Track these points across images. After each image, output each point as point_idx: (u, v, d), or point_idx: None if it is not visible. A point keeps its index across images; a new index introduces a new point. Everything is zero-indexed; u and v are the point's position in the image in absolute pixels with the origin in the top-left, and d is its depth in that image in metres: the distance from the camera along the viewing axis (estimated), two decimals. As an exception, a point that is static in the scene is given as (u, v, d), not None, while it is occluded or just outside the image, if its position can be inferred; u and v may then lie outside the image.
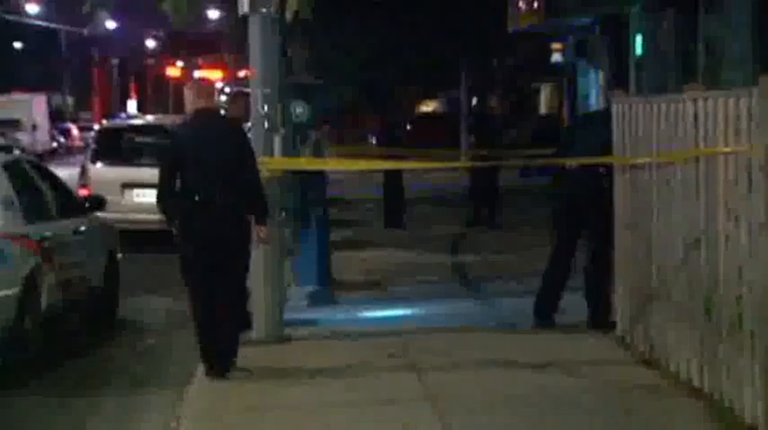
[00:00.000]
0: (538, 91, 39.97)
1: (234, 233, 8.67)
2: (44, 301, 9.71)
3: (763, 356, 6.57)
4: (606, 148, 9.43)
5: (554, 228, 10.31)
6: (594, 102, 28.71)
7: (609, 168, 9.54)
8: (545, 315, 9.86)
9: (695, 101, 7.68)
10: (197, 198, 8.55)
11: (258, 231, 8.91)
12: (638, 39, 21.67)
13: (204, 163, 8.61)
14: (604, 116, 9.85)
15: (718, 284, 7.26)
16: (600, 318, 9.69)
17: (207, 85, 9.99)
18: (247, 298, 10.31)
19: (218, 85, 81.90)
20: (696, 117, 7.60)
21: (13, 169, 10.12)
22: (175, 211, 8.70)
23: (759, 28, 16.70)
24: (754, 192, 6.70)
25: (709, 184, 7.42)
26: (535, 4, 26.55)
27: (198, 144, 8.72)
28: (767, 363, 6.55)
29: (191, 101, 8.94)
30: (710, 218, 7.40)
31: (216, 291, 8.65)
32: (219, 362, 8.58)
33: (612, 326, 9.51)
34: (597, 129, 9.88)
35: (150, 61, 73.21)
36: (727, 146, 7.09)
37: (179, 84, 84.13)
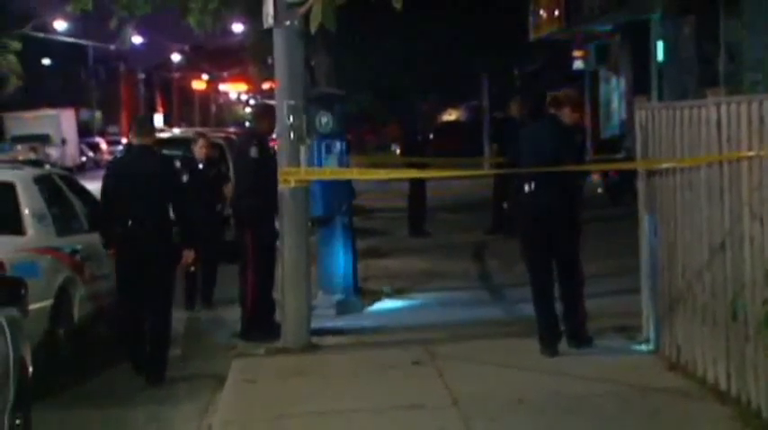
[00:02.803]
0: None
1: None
2: (76, 312, 9.77)
3: (790, 359, 6.56)
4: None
5: (523, 254, 9.64)
6: (617, 107, 28.67)
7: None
8: (552, 349, 9.21)
9: (718, 106, 7.68)
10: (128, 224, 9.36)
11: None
12: (660, 45, 21.60)
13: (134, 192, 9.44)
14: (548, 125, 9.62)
15: (744, 287, 7.23)
16: (581, 335, 9.26)
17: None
18: (274, 308, 10.34)
19: (243, 97, 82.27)
20: (719, 122, 7.59)
21: (44, 183, 10.18)
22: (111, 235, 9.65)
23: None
24: (778, 195, 6.71)
25: (733, 188, 7.40)
26: (556, 12, 26.49)
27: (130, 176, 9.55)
28: (794, 366, 6.53)
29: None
30: (735, 220, 7.38)
31: (144, 305, 9.42)
32: (153, 371, 9.25)
33: (590, 340, 9.27)
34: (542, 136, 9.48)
35: (176, 75, 73.49)
36: (750, 149, 7.09)
37: (205, 96, 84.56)
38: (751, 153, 7.07)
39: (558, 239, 9.21)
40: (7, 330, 6.48)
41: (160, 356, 9.40)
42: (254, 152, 10.99)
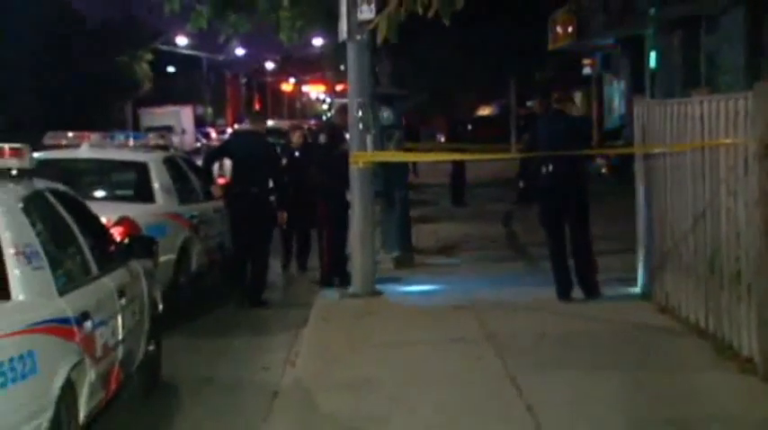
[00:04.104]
0: (572, 99, 39.63)
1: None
2: (194, 264, 9.87)
3: (757, 304, 6.49)
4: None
5: (542, 222, 9.31)
6: (617, 105, 28.44)
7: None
8: (566, 296, 9.09)
9: (701, 102, 7.60)
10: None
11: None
12: (653, 55, 21.42)
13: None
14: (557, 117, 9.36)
15: (720, 247, 7.16)
16: (593, 288, 9.09)
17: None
18: (347, 261, 10.36)
19: (321, 96, 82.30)
20: (702, 116, 7.51)
21: (169, 163, 10.26)
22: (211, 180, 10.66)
23: (749, 44, 16.56)
24: (749, 175, 6.61)
25: (713, 168, 7.32)
26: (569, 29, 26.41)
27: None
28: (760, 310, 6.47)
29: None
30: (714, 195, 7.30)
31: (250, 248, 9.89)
32: (253, 296, 9.77)
33: (599, 293, 9.07)
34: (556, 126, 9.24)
35: (269, 79, 73.68)
36: (727, 138, 7.00)
37: (292, 96, 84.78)
38: (728, 140, 6.99)
39: (570, 209, 9.13)
40: (143, 277, 6.57)
41: (258, 285, 9.90)
42: (322, 138, 11.16)
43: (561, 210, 9.12)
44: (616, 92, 28.89)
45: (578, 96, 32.61)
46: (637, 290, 9.29)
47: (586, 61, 30.30)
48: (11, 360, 4.20)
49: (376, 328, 8.36)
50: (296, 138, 12.26)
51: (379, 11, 9.43)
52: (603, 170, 22.78)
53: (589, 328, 8.06)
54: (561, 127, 9.16)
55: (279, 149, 11.70)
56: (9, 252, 4.71)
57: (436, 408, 6.03)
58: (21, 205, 5.05)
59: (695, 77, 18.82)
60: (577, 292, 9.10)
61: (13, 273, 4.66)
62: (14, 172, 5.36)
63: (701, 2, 18.05)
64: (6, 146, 5.37)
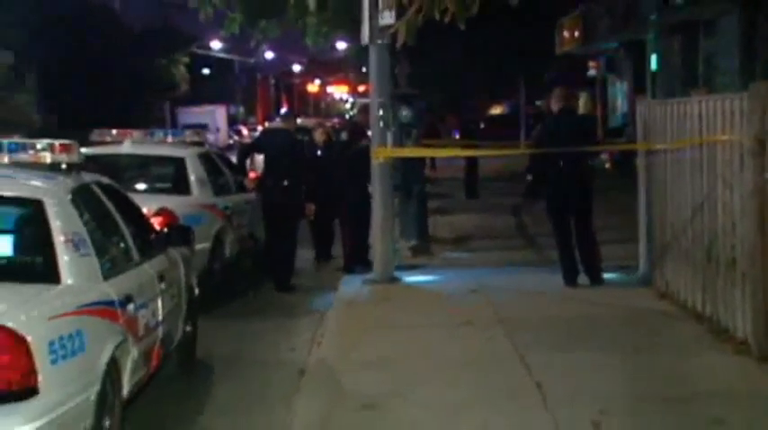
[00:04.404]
0: (577, 98, 39.56)
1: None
2: (227, 251, 9.89)
3: (751, 290, 6.46)
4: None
5: (549, 214, 9.20)
6: (621, 104, 28.30)
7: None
8: (572, 282, 9.05)
9: (699, 102, 7.55)
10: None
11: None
12: (654, 57, 21.29)
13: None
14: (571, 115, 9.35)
15: (717, 237, 7.12)
16: (597, 275, 9.06)
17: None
18: (368, 249, 10.36)
19: (344, 96, 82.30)
20: (700, 114, 7.46)
21: (204, 158, 10.29)
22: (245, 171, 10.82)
23: (744, 48, 16.46)
24: (744, 170, 6.57)
25: (710, 164, 7.27)
26: (575, 33, 26.29)
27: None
28: (754, 295, 6.44)
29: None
30: (711, 188, 7.26)
31: (279, 236, 9.90)
32: (283, 282, 9.83)
33: (602, 280, 9.03)
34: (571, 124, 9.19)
35: (296, 80, 73.73)
36: (724, 135, 6.95)
37: (317, 96, 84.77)
38: (724, 137, 6.94)
39: (576, 202, 9.08)
40: (181, 263, 6.59)
41: (287, 272, 9.92)
42: (345, 136, 11.16)
43: (567, 203, 9.08)
44: (619, 92, 28.74)
45: (584, 96, 32.53)
46: (638, 276, 9.25)
47: (591, 63, 30.16)
48: (61, 338, 4.24)
49: (395, 312, 8.36)
50: (318, 135, 12.27)
51: (398, 16, 9.44)
52: (607, 165, 22.68)
53: (594, 312, 8.04)
54: (568, 124, 9.12)
55: (305, 146, 11.69)
56: (59, 240, 4.74)
57: (450, 386, 6.04)
58: (69, 197, 5.08)
59: (693, 79, 18.70)
60: (582, 279, 9.07)
61: (63, 259, 4.70)
62: (64, 166, 5.40)
63: (699, 8, 17.94)
64: (57, 142, 5.42)
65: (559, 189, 9.05)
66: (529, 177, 9.42)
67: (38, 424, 3.98)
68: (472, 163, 19.11)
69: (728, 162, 6.88)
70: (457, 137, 23.63)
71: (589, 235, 9.15)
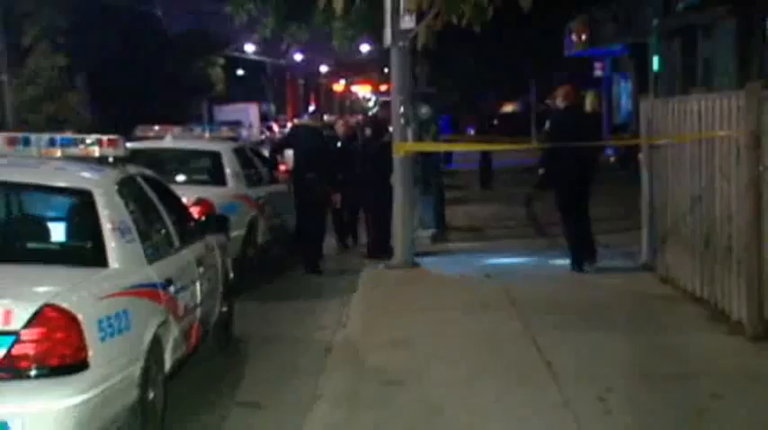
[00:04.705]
0: (583, 96, 39.28)
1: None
2: (260, 238, 9.90)
3: (746, 275, 6.43)
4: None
5: (559, 204, 9.09)
6: (625, 102, 28.13)
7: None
8: (579, 267, 9.02)
9: (699, 100, 7.49)
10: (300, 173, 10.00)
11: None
12: (655, 59, 21.18)
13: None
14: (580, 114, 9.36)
15: (715, 226, 7.08)
16: (595, 258, 9.05)
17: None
18: (390, 237, 10.36)
19: (367, 95, 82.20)
20: (699, 111, 7.41)
21: (239, 152, 10.31)
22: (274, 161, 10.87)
23: (739, 50, 16.37)
24: (740, 163, 6.53)
25: (709, 157, 7.23)
26: (583, 37, 26.20)
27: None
28: (749, 280, 6.41)
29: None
30: (709, 180, 7.22)
31: (310, 223, 9.94)
32: (312, 264, 9.88)
33: (595, 259, 9.02)
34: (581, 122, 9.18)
35: (323, 80, 73.71)
36: (721, 131, 6.90)
37: (342, 95, 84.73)
38: (722, 133, 6.90)
39: (581, 193, 9.03)
40: (217, 249, 6.61)
41: (315, 257, 9.96)
42: (368, 131, 11.16)
43: (575, 194, 9.04)
44: (623, 91, 28.58)
45: (590, 95, 32.34)
46: (641, 262, 9.21)
47: (597, 64, 30.00)
48: (109, 318, 4.26)
49: (414, 295, 8.37)
50: (339, 127, 12.20)
51: (418, 21, 9.42)
52: (612, 159, 22.56)
53: (599, 296, 8.01)
54: (574, 121, 9.07)
55: (329, 140, 11.68)
56: (107, 227, 4.77)
57: (466, 363, 6.04)
58: (116, 187, 5.10)
59: (693, 79, 18.59)
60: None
61: (110, 245, 4.72)
62: (111, 159, 5.43)
63: (698, 14, 17.83)
64: (104, 137, 5.45)
65: (569, 182, 9.01)
66: (541, 171, 9.35)
67: (88, 395, 4.02)
68: (487, 156, 19.09)
69: (726, 156, 6.84)
70: (472, 133, 23.60)
71: (588, 220, 9.10)
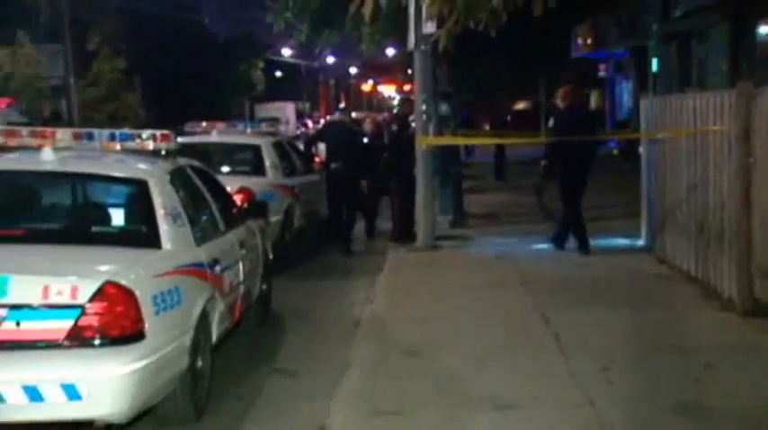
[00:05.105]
0: (588, 95, 39.02)
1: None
2: (296, 223, 9.94)
3: (737, 257, 6.38)
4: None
5: (563, 196, 8.95)
6: (627, 100, 27.91)
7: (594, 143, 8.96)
8: (585, 250, 8.92)
9: (694, 98, 7.42)
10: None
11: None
12: (654, 61, 20.96)
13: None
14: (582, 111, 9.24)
15: (708, 212, 7.02)
16: (586, 245, 8.92)
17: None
18: (413, 222, 10.35)
19: (392, 94, 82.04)
20: (695, 108, 7.33)
21: (277, 145, 10.34)
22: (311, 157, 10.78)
23: (731, 52, 16.19)
24: (732, 154, 6.47)
25: (703, 150, 7.15)
26: (588, 40, 26.03)
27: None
28: (739, 261, 6.36)
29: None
30: (703, 170, 7.15)
31: (339, 209, 9.97)
32: (344, 246, 9.88)
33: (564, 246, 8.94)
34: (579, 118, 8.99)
35: (353, 81, 73.62)
36: (715, 125, 6.82)
37: (370, 94, 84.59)
38: (715, 128, 6.83)
39: (581, 183, 8.93)
40: (258, 233, 6.64)
41: (347, 237, 9.99)
42: (394, 127, 11.13)
43: (576, 184, 8.94)
44: (625, 90, 28.34)
45: (595, 94, 32.03)
46: (641, 245, 9.14)
47: (602, 66, 29.77)
48: (162, 293, 4.30)
49: (435, 275, 8.36)
50: (367, 124, 12.20)
51: (439, 26, 9.36)
52: (615, 152, 22.37)
53: (602, 275, 7.96)
54: (576, 118, 9.00)
55: (357, 135, 11.66)
56: (160, 213, 4.80)
57: (482, 336, 6.03)
58: (168, 177, 5.13)
59: (688, 79, 18.42)
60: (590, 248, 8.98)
61: (163, 228, 4.76)
62: (164, 152, 5.47)
63: (693, 20, 17.67)
64: (158, 132, 5.48)
65: (570, 174, 8.94)
66: (543, 162, 9.30)
67: (145, 362, 4.06)
68: (501, 149, 19.00)
69: (718, 148, 6.78)
70: (487, 128, 23.45)
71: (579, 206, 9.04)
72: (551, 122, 9.16)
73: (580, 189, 8.94)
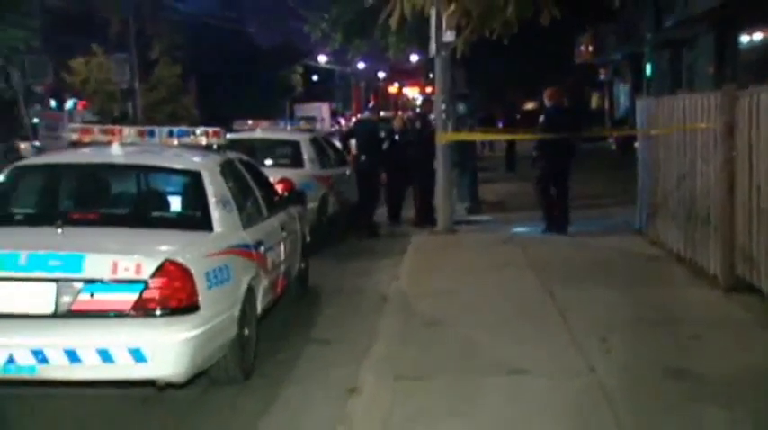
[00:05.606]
0: (590, 96, 38.61)
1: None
2: (329, 210, 9.95)
3: (721, 239, 6.30)
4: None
5: (540, 183, 9.01)
6: (623, 101, 27.57)
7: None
8: (551, 231, 9.03)
9: (684, 99, 7.32)
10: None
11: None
12: (649, 66, 20.70)
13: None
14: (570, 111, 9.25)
15: (696, 200, 6.94)
16: (566, 228, 8.94)
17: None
18: (434, 209, 10.32)
19: (416, 96, 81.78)
20: (684, 108, 7.22)
21: (314, 141, 10.35)
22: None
23: (717, 58, 16.00)
24: (717, 148, 6.37)
25: (691, 144, 7.06)
26: (589, 48, 25.79)
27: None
28: (723, 243, 6.28)
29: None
30: (692, 162, 7.05)
31: (366, 197, 9.99)
32: (371, 230, 9.88)
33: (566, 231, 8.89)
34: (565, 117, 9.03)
35: (381, 83, 73.44)
36: (702, 123, 6.73)
37: (396, 96, 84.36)
38: (703, 125, 6.73)
39: (562, 171, 8.90)
40: (297, 218, 6.66)
41: (373, 224, 10.00)
42: (418, 125, 11.08)
43: (557, 172, 8.86)
44: (623, 92, 28.01)
45: (595, 96, 31.67)
46: (635, 229, 9.05)
47: (601, 70, 29.44)
48: (214, 271, 4.33)
49: (453, 256, 8.34)
50: (396, 122, 12.13)
51: (457, 35, 9.30)
52: (613, 147, 22.12)
53: (600, 256, 7.90)
54: (559, 116, 8.96)
55: (386, 132, 11.63)
56: (212, 200, 4.84)
57: (494, 311, 6.01)
58: (219, 169, 5.16)
59: (679, 82, 18.21)
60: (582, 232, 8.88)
61: (214, 214, 4.79)
62: (215, 147, 5.51)
63: (684, 29, 17.45)
64: (210, 129, 5.53)
65: (551, 163, 8.83)
66: (534, 153, 9.31)
67: (200, 330, 4.11)
68: (511, 144, 18.88)
69: (706, 143, 6.68)
70: (501, 125, 23.31)
71: (567, 194, 8.99)
72: (541, 119, 9.14)
73: (561, 178, 8.84)
